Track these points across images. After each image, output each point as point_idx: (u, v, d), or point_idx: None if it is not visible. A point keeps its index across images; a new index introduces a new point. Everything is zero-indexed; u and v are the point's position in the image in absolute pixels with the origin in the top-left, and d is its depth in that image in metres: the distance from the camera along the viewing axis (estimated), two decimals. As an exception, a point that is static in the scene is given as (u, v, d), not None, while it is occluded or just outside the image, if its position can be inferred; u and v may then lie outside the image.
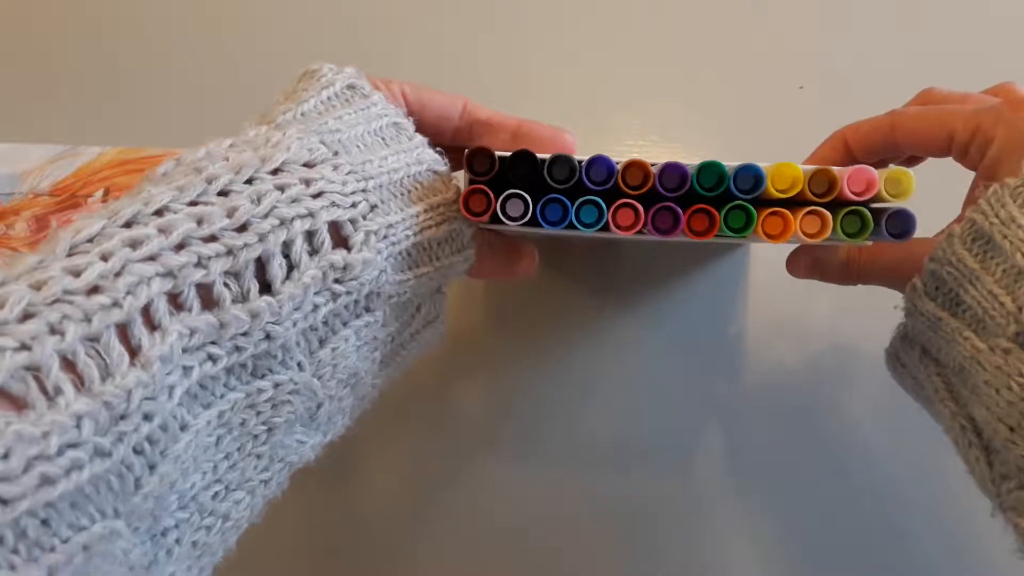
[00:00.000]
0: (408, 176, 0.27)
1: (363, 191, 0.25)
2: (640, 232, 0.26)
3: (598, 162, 0.26)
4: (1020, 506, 0.25)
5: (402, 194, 0.26)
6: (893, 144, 0.32)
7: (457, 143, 0.31)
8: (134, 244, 0.20)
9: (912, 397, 0.32)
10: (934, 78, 0.53)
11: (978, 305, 0.25)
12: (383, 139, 0.27)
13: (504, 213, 0.26)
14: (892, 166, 0.27)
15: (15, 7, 0.56)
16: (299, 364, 0.24)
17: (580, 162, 0.26)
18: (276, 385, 0.23)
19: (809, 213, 0.26)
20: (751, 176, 0.25)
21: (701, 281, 0.43)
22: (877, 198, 0.26)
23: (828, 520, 0.39)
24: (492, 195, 0.26)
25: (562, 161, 0.26)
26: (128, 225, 0.20)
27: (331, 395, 0.26)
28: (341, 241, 0.24)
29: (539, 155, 0.26)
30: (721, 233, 0.26)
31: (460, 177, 0.28)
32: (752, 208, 0.25)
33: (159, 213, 0.21)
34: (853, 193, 0.25)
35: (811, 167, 0.26)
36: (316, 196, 0.23)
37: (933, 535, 0.38)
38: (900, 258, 0.29)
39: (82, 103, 0.52)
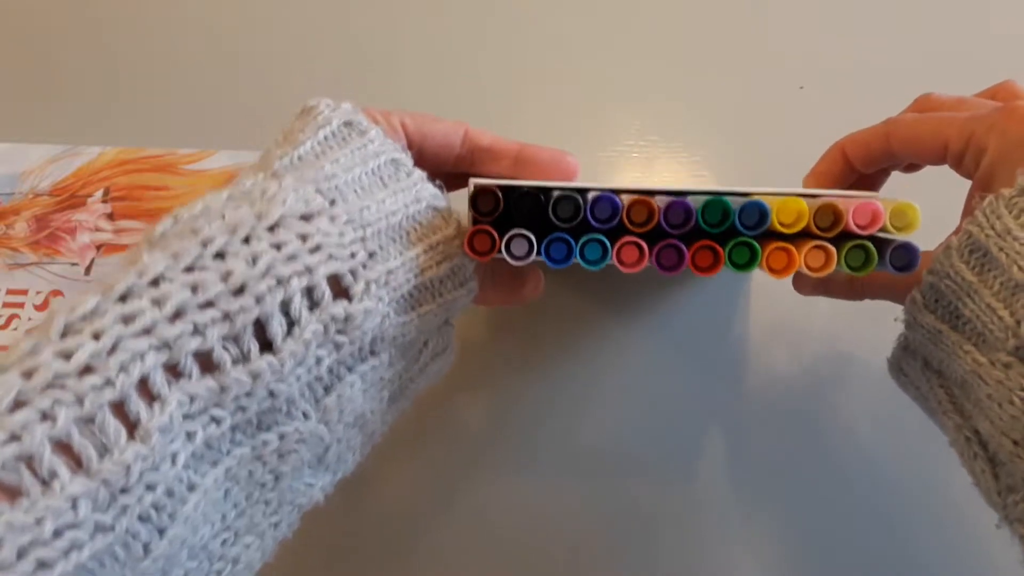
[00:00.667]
0: (407, 217, 0.26)
1: (361, 239, 0.24)
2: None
3: (603, 200, 0.26)
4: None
5: (401, 237, 0.26)
6: (890, 153, 0.32)
7: (459, 170, 0.32)
8: (127, 319, 0.20)
9: (917, 404, 0.32)
10: (934, 77, 0.53)
11: (977, 319, 0.25)
12: (381, 179, 0.27)
13: (509, 252, 0.26)
14: (897, 199, 0.26)
15: (15, 7, 0.56)
16: (304, 413, 0.24)
17: (585, 199, 0.26)
18: (282, 436, 0.23)
19: (814, 248, 0.26)
20: (756, 211, 0.25)
21: (702, 288, 0.43)
22: (882, 230, 0.26)
23: (829, 526, 0.39)
24: (496, 236, 0.26)
25: (567, 200, 0.26)
26: (123, 299, 0.20)
27: (339, 438, 0.26)
28: (341, 292, 0.24)
29: (545, 188, 0.26)
30: (726, 269, 0.26)
31: (463, 206, 0.28)
32: (757, 244, 0.26)
33: (155, 283, 0.21)
34: (858, 226, 0.25)
35: (817, 200, 0.26)
36: (313, 251, 0.23)
37: (935, 542, 0.38)
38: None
39: (82, 103, 0.52)
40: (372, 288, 0.24)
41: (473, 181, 0.27)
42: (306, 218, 0.23)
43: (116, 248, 0.42)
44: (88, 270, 0.41)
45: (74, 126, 0.51)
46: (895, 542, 0.38)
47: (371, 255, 0.25)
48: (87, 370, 0.19)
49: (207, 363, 0.21)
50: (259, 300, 0.21)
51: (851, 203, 0.26)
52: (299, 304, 0.22)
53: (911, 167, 0.35)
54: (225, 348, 0.21)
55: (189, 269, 0.21)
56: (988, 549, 0.37)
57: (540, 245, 0.26)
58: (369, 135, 0.27)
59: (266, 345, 0.22)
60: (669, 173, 0.50)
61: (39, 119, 0.52)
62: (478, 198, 0.26)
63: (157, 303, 0.20)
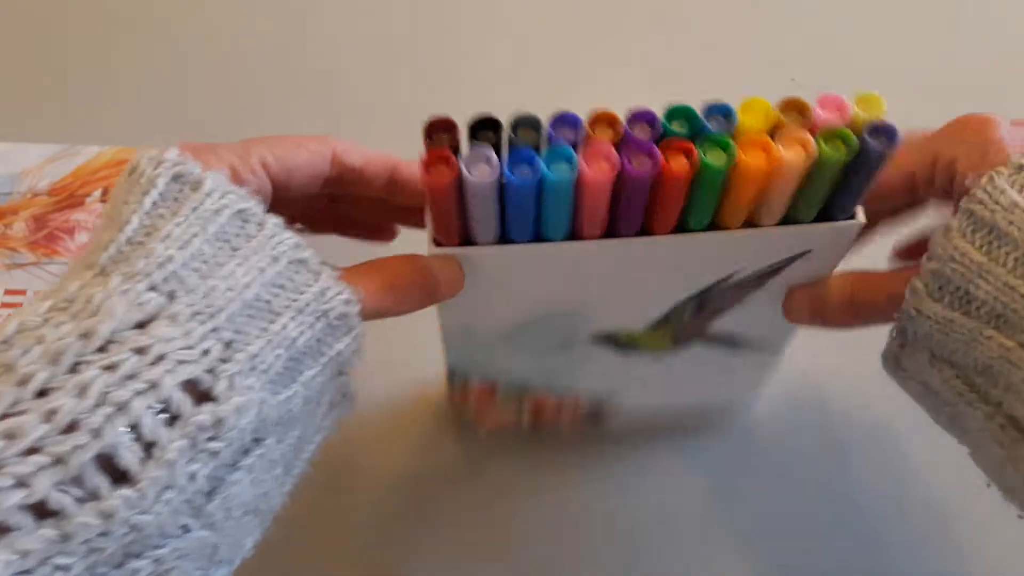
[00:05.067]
0: (264, 284, 0.23)
1: (213, 330, 0.21)
2: (612, 230, 0.26)
3: (564, 119, 0.25)
4: None
5: (261, 310, 0.22)
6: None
7: (331, 191, 0.29)
8: None
9: (917, 400, 0.30)
10: (928, 70, 0.53)
11: (995, 300, 0.23)
12: (227, 241, 0.23)
13: (470, 173, 0.24)
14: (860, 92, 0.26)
15: (15, 7, 0.56)
16: (185, 527, 0.21)
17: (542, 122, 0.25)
18: (156, 560, 0.20)
19: (790, 139, 0.24)
20: (721, 113, 0.25)
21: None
22: (853, 121, 0.25)
23: None
24: (455, 158, 0.24)
25: (526, 123, 0.25)
26: None
27: (228, 535, 0.23)
28: (203, 396, 0.20)
29: (505, 119, 0.25)
30: (703, 179, 0.24)
31: (330, 248, 0.26)
32: (730, 141, 0.24)
33: None
34: (826, 117, 0.25)
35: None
36: (155, 362, 0.20)
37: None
38: (907, 278, 0.26)
39: (81, 103, 0.52)
40: (237, 381, 0.21)
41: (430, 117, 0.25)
42: (141, 326, 0.20)
43: (115, 248, 0.42)
44: (87, 270, 0.41)
45: (73, 126, 0.51)
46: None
47: (228, 344, 0.21)
48: None
49: (42, 511, 0.18)
50: (96, 434, 0.18)
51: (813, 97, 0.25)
52: (152, 424, 0.19)
53: (898, 212, 0.32)
54: (63, 491, 0.18)
55: (5, 416, 0.18)
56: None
57: (504, 164, 0.24)
58: (204, 188, 0.23)
59: (122, 477, 0.19)
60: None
61: (38, 119, 0.52)
62: (433, 131, 0.25)
63: None
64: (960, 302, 0.24)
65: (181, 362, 0.20)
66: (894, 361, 0.29)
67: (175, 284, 0.21)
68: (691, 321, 0.32)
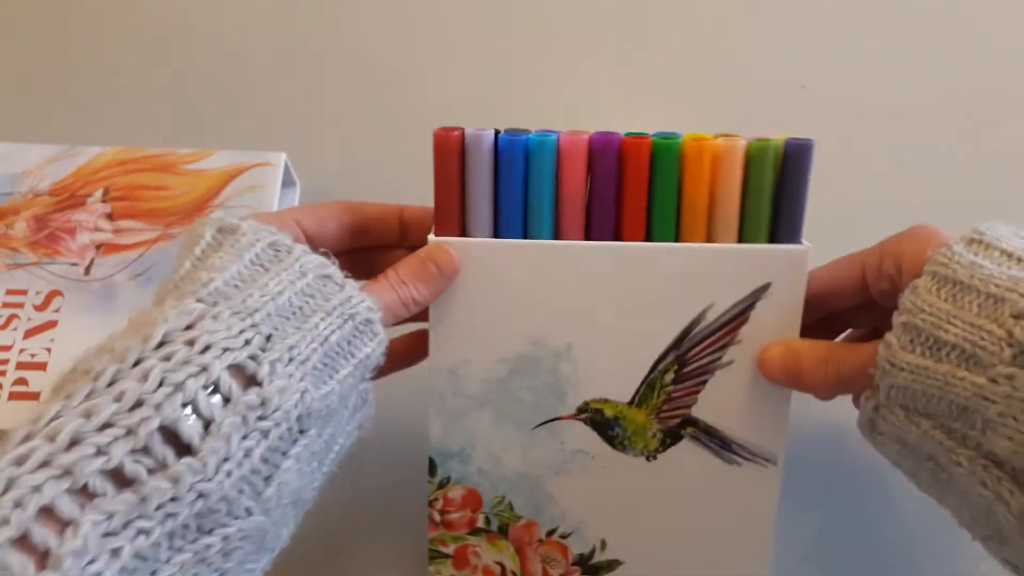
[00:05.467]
0: (295, 293, 0.27)
1: (252, 326, 0.25)
2: (589, 234, 0.32)
3: (546, 131, 0.32)
4: None
5: (294, 313, 0.27)
6: (814, 300, 0.32)
7: (361, 243, 0.34)
8: (20, 460, 0.20)
9: (895, 462, 0.31)
10: (934, 75, 0.53)
11: (964, 341, 0.25)
12: (261, 266, 0.27)
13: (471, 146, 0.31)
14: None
15: (15, 7, 0.56)
16: (247, 510, 0.24)
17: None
18: (225, 538, 0.23)
19: (723, 138, 0.31)
20: (670, 133, 0.31)
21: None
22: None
23: None
24: (460, 128, 0.31)
25: (517, 129, 0.32)
26: (18, 446, 0.21)
27: (276, 521, 0.26)
28: (250, 381, 0.24)
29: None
30: (658, 159, 0.31)
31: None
32: (676, 135, 0.31)
33: (49, 423, 0.21)
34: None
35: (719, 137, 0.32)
36: (204, 351, 0.23)
37: None
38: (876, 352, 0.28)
39: (82, 103, 0.52)
40: (278, 367, 0.25)
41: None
42: (190, 327, 0.24)
43: (116, 248, 0.42)
44: (88, 270, 0.41)
45: (73, 126, 0.51)
46: None
47: (268, 338, 0.25)
48: None
49: (121, 479, 0.21)
50: (158, 408, 0.22)
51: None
52: (207, 401, 0.23)
53: (845, 316, 0.34)
54: (137, 461, 0.21)
55: (83, 402, 0.22)
56: None
57: (497, 138, 0.32)
58: (240, 230, 0.28)
59: (186, 450, 0.22)
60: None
61: (39, 119, 0.52)
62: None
63: (50, 438, 0.21)
64: (931, 350, 0.26)
65: (226, 349, 0.24)
66: (870, 426, 0.30)
67: (217, 297, 0.26)
68: (673, 393, 0.33)
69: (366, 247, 0.35)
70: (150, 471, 0.22)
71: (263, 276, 0.27)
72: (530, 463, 0.34)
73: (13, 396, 0.38)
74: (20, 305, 0.40)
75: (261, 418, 0.24)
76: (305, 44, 0.55)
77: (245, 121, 0.51)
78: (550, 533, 0.35)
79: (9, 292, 0.41)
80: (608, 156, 0.31)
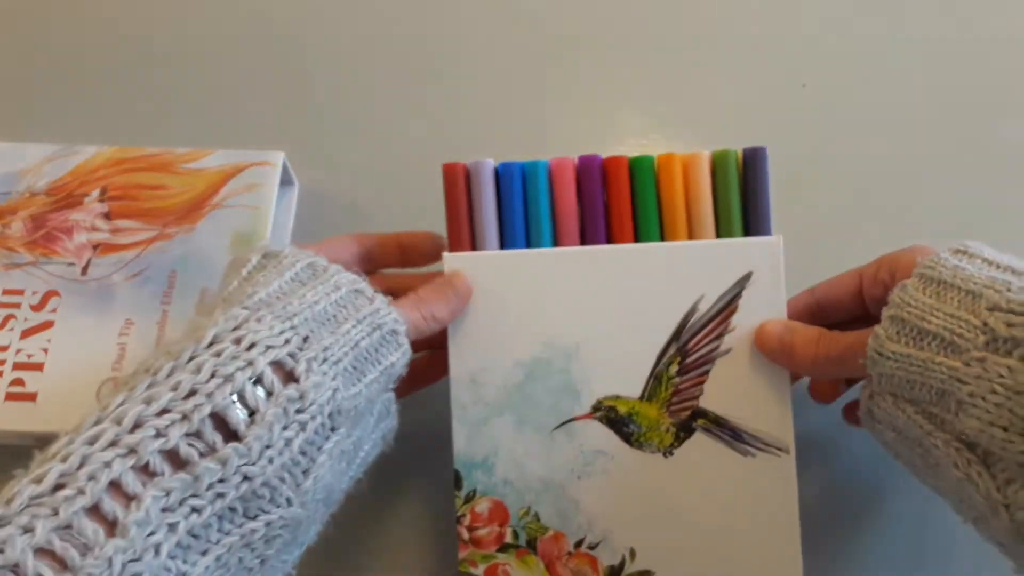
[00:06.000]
0: (330, 303, 0.30)
1: (292, 328, 0.28)
2: (582, 227, 0.36)
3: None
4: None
5: (329, 320, 0.30)
6: (816, 307, 0.37)
7: (368, 267, 0.37)
8: (92, 440, 0.23)
9: (892, 453, 0.33)
10: (935, 75, 0.53)
11: (943, 329, 0.28)
12: (300, 281, 0.31)
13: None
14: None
15: (14, 8, 0.56)
16: (288, 500, 0.26)
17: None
18: (268, 524, 0.26)
19: (691, 155, 0.36)
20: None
21: None
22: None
23: None
24: (467, 166, 0.36)
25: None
26: (90, 428, 0.24)
27: (310, 515, 0.28)
28: (289, 376, 0.27)
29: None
30: (637, 171, 0.36)
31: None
32: (651, 155, 0.36)
33: (115, 410, 0.24)
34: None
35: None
36: (250, 348, 0.26)
37: None
38: (866, 337, 0.31)
39: (79, 102, 0.52)
40: (314, 365, 0.27)
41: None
42: (237, 328, 0.27)
43: (113, 247, 0.42)
44: (85, 270, 0.41)
45: (71, 125, 0.51)
46: None
47: (305, 339, 0.28)
48: (59, 487, 0.22)
49: (177, 460, 0.24)
50: (210, 396, 0.25)
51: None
52: (252, 393, 0.26)
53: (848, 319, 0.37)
54: (191, 445, 0.24)
55: (144, 392, 0.25)
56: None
57: (497, 168, 0.36)
58: (283, 255, 0.32)
59: (232, 436, 0.25)
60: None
61: (36, 118, 0.51)
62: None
63: (117, 421, 0.24)
64: (915, 339, 0.29)
65: (269, 347, 0.27)
66: (868, 414, 0.33)
67: (260, 306, 0.29)
68: (680, 385, 0.35)
69: (371, 271, 0.38)
70: (201, 454, 0.24)
71: (301, 289, 0.30)
72: (552, 468, 0.35)
73: (10, 396, 0.38)
74: (17, 305, 0.40)
75: (299, 411, 0.26)
76: (305, 44, 0.55)
77: (244, 120, 0.51)
78: (578, 544, 0.35)
79: (6, 292, 0.40)
80: (593, 173, 0.36)
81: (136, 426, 0.24)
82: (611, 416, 0.35)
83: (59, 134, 0.48)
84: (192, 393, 0.25)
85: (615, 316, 0.35)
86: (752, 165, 0.36)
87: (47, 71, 0.53)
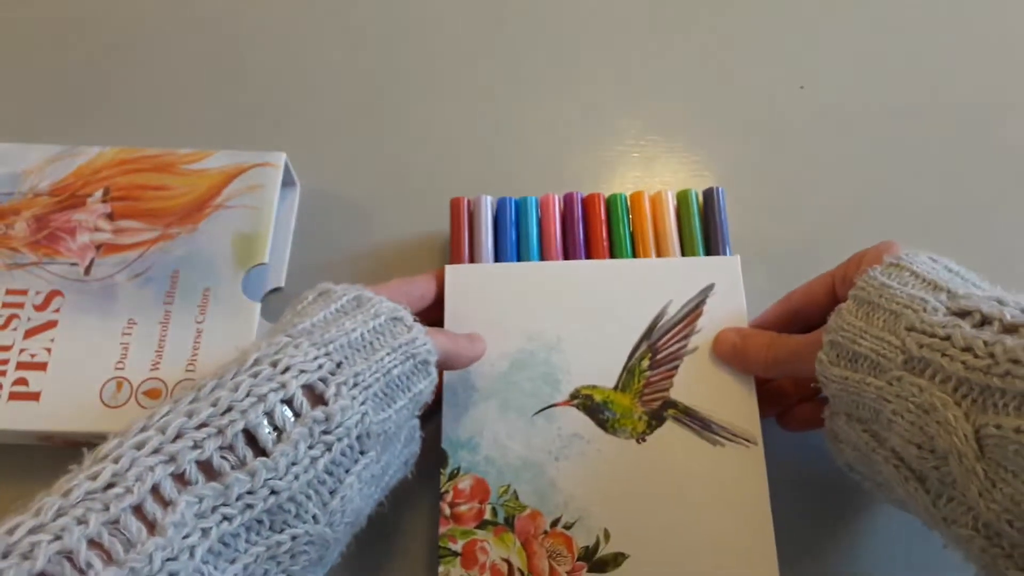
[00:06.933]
0: (368, 330, 0.32)
1: (326, 354, 0.29)
2: (565, 250, 0.43)
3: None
4: (955, 515, 0.27)
5: (365, 347, 0.31)
6: (792, 313, 0.38)
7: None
8: (139, 446, 0.25)
9: (856, 477, 0.34)
10: (933, 76, 0.53)
11: (871, 351, 0.30)
12: (344, 313, 0.32)
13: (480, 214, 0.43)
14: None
15: (14, 8, 0.56)
16: (314, 517, 0.28)
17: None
18: (294, 537, 0.27)
19: (659, 192, 0.44)
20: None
21: None
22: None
23: None
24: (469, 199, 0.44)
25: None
26: (136, 435, 0.26)
27: (338, 537, 0.30)
28: (318, 399, 0.28)
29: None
30: (612, 207, 0.43)
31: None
32: (624, 194, 0.44)
33: (160, 419, 0.26)
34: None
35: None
36: (285, 371, 0.28)
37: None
38: (810, 341, 0.33)
39: (82, 103, 0.52)
40: (343, 390, 0.29)
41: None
42: (277, 353, 0.29)
43: (116, 248, 0.42)
44: (88, 270, 0.41)
45: (73, 126, 0.51)
46: None
47: (338, 364, 0.29)
48: (110, 485, 0.24)
49: (210, 471, 0.26)
50: (244, 413, 0.26)
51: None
52: (281, 414, 0.27)
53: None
54: (223, 457, 0.26)
55: (187, 405, 0.27)
56: None
57: (496, 201, 0.44)
58: (335, 292, 0.34)
59: (261, 452, 0.27)
60: (669, 173, 0.50)
61: (39, 119, 0.52)
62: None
63: (161, 430, 0.26)
64: (850, 362, 0.31)
65: (302, 371, 0.28)
66: (832, 435, 0.34)
67: (301, 334, 0.30)
68: (651, 378, 0.39)
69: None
70: (233, 466, 0.26)
71: (343, 319, 0.32)
72: (532, 449, 0.37)
73: (13, 396, 0.38)
74: (20, 305, 0.40)
75: (325, 432, 0.28)
76: (305, 43, 0.55)
77: (245, 121, 0.51)
78: (554, 524, 0.36)
79: (9, 292, 0.41)
80: (573, 207, 0.43)
81: (177, 436, 0.26)
82: (588, 403, 0.38)
83: (62, 135, 0.48)
84: (228, 409, 0.27)
85: (592, 316, 0.39)
86: (710, 201, 0.43)
87: (49, 71, 0.54)
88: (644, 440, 0.37)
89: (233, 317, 0.40)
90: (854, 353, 0.30)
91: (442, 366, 0.35)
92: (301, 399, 0.28)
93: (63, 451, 0.39)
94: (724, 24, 0.56)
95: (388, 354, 0.31)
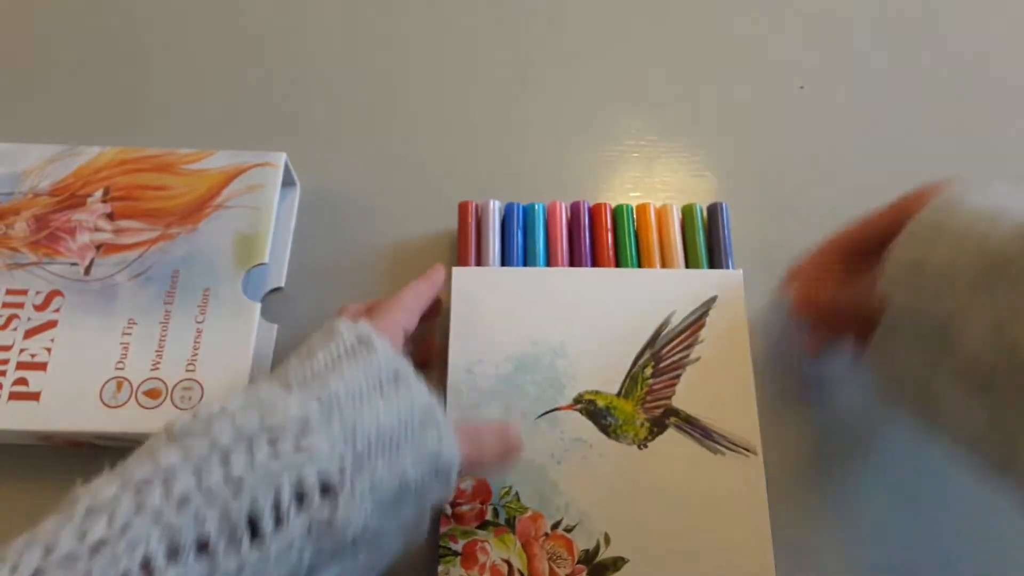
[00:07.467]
0: (398, 422, 0.29)
1: (352, 447, 0.27)
2: (570, 242, 0.43)
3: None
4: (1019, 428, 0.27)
5: (392, 448, 0.28)
6: (855, 246, 0.38)
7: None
8: (140, 506, 0.24)
9: (892, 397, 0.34)
10: (934, 76, 0.53)
11: (940, 268, 0.30)
12: (380, 387, 0.30)
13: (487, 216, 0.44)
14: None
15: (14, 7, 0.56)
16: None
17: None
18: None
19: (663, 205, 0.44)
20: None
21: None
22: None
23: None
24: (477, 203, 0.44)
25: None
26: (139, 488, 0.24)
27: None
28: (327, 488, 0.26)
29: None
30: (618, 217, 0.44)
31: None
32: (630, 205, 0.44)
33: (167, 475, 0.25)
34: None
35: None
36: (305, 457, 0.26)
37: None
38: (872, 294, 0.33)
39: (82, 103, 0.52)
40: (356, 491, 0.27)
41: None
42: (303, 427, 0.27)
43: (116, 248, 0.42)
44: (88, 270, 0.41)
45: (74, 126, 0.51)
46: None
47: (359, 461, 0.27)
48: (98, 548, 0.23)
49: (203, 546, 0.24)
50: (254, 500, 0.25)
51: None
52: (288, 502, 0.25)
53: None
54: (221, 535, 0.24)
55: (197, 463, 0.25)
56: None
57: (504, 206, 0.44)
58: (375, 349, 0.31)
59: (255, 533, 0.25)
60: (669, 173, 0.50)
61: (39, 119, 0.52)
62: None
63: (166, 494, 0.24)
64: (915, 278, 0.31)
65: (321, 462, 0.26)
66: (881, 352, 0.33)
67: (334, 406, 0.28)
68: (654, 385, 0.39)
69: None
70: (225, 550, 0.24)
71: (378, 400, 0.29)
72: (535, 451, 0.37)
73: (13, 396, 0.38)
74: (20, 305, 0.40)
75: (323, 535, 0.26)
76: (305, 43, 0.55)
77: (246, 121, 0.51)
78: (555, 526, 0.36)
79: (9, 292, 0.41)
80: (580, 215, 0.44)
81: (184, 502, 0.24)
82: (591, 408, 0.38)
83: (62, 135, 0.48)
84: (239, 488, 0.25)
85: (597, 323, 0.40)
86: (713, 216, 0.44)
87: (50, 71, 0.54)
88: (645, 446, 0.37)
89: (233, 317, 0.40)
90: (921, 271, 0.31)
91: (465, 473, 0.33)
92: (313, 491, 0.26)
93: (63, 451, 0.39)
94: (724, 24, 0.56)
95: (412, 464, 0.29)
